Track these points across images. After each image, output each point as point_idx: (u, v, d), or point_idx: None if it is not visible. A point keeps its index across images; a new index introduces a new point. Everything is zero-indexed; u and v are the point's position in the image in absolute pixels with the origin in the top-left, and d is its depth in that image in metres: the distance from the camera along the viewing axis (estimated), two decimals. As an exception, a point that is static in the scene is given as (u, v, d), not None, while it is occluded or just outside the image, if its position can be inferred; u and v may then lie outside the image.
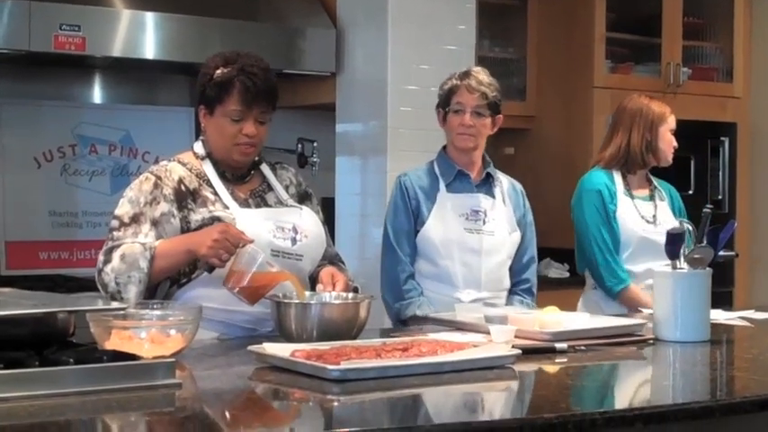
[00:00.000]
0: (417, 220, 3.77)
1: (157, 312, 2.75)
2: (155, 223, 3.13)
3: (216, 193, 3.21)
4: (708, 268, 3.25)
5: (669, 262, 3.30)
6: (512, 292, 3.86)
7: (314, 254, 3.29)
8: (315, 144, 5.31)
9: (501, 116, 3.81)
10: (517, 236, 3.85)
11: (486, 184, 3.84)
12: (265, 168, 3.36)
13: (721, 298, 4.46)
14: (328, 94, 5.23)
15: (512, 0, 6.00)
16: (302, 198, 3.40)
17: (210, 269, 3.07)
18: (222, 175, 3.25)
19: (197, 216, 3.16)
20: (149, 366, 2.31)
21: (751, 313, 3.79)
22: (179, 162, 3.27)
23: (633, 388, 2.75)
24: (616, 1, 5.81)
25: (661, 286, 3.25)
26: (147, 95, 5.35)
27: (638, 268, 4.15)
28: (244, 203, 3.24)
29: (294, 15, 5.17)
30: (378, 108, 4.98)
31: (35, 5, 4.41)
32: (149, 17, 4.67)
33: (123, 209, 3.16)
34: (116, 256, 3.07)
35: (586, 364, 2.85)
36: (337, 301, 3.04)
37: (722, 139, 6.22)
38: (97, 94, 5.28)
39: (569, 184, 4.34)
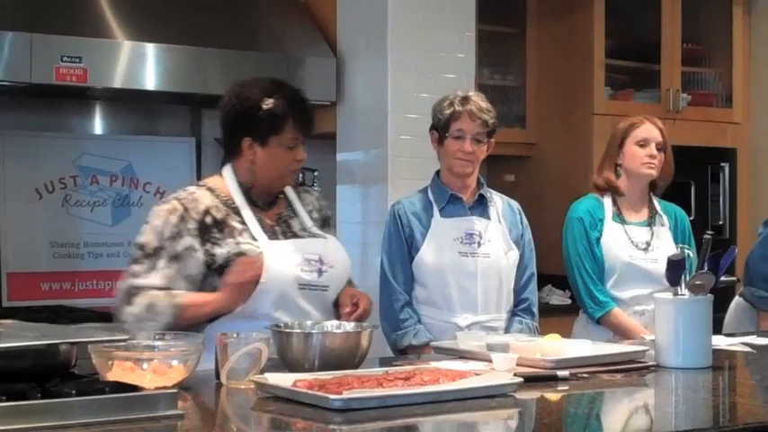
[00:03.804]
0: (412, 247, 3.79)
1: (159, 343, 2.75)
2: (174, 257, 3.15)
3: (243, 223, 3.23)
4: (709, 294, 3.24)
5: (655, 288, 3.28)
6: (512, 313, 3.86)
7: (340, 283, 3.34)
8: (315, 173, 5.31)
9: (494, 140, 3.83)
10: (514, 254, 3.85)
11: (481, 206, 3.85)
12: (290, 191, 3.41)
13: (723, 324, 4.46)
14: (329, 123, 5.24)
15: (511, 28, 6.03)
16: (324, 222, 3.45)
17: None
18: (251, 202, 3.28)
19: (222, 250, 3.17)
20: (151, 397, 2.30)
21: (753, 339, 3.77)
22: (207, 188, 3.29)
23: (635, 415, 2.74)
24: (615, 28, 5.82)
25: (662, 313, 3.24)
26: (149, 126, 5.37)
27: (625, 295, 4.09)
28: (271, 232, 3.26)
29: (294, 45, 5.19)
30: (378, 137, 4.99)
31: (36, 37, 4.43)
32: (150, 48, 4.69)
33: (147, 237, 3.19)
34: (141, 303, 3.10)
35: (588, 392, 2.85)
36: (339, 331, 3.04)
37: (722, 164, 6.22)
38: (98, 125, 5.30)
39: (570, 210, 4.32)
